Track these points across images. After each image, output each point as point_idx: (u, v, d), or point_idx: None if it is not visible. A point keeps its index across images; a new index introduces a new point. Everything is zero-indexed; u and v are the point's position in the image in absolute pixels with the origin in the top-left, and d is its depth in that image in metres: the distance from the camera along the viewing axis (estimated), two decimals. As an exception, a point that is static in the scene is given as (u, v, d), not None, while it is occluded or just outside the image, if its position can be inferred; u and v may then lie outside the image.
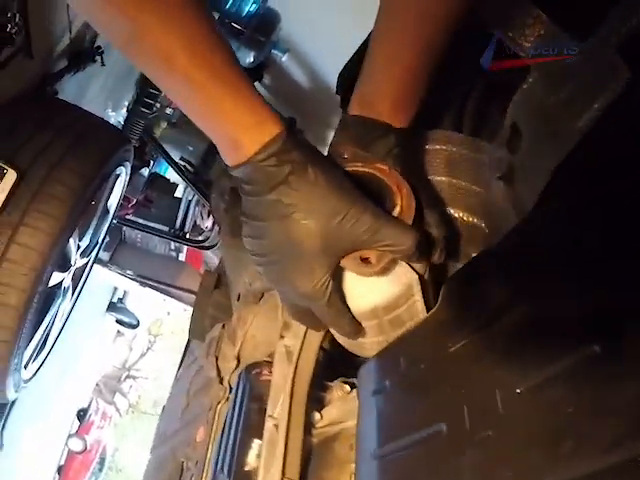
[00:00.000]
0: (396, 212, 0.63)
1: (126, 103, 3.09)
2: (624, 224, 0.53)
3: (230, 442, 1.05)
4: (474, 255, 0.84)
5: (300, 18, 3.02)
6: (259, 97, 0.59)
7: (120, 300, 7.54)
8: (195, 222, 4.60)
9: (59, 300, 2.05)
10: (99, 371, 9.11)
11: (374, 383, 0.73)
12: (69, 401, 7.45)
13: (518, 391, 0.50)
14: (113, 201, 2.16)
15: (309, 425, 0.92)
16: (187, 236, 4.56)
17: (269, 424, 0.94)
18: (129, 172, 2.08)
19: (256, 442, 0.99)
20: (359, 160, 0.67)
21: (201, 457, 1.19)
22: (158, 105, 3.25)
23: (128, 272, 4.48)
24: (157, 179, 4.30)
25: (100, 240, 2.25)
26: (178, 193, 4.49)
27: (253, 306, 1.41)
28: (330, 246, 0.60)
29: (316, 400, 0.97)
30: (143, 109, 3.12)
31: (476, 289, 0.66)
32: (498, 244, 0.70)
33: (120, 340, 10.33)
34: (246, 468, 0.97)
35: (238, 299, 1.56)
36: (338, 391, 0.96)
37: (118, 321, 7.25)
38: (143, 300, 7.61)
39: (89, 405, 8.77)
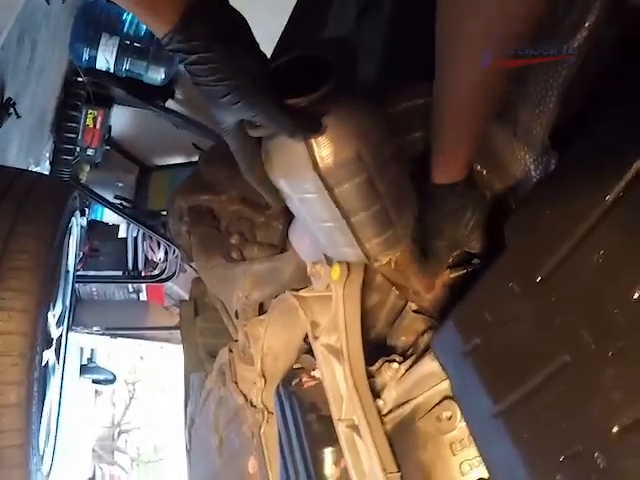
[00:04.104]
0: None
1: (47, 154, 2.91)
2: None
3: (299, 461, 1.00)
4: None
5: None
6: None
7: (90, 360, 7.26)
8: (147, 257, 4.47)
9: (51, 380, 1.87)
10: (91, 436, 8.80)
11: (461, 345, 0.71)
12: (73, 478, 7.17)
13: (636, 296, 0.49)
14: (71, 257, 2.00)
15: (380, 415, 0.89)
16: (143, 274, 4.43)
17: (341, 428, 0.91)
18: (79, 223, 1.93)
19: (328, 451, 0.96)
20: None
21: (264, 488, 1.13)
22: (78, 149, 3.10)
23: (95, 329, 4.28)
24: (96, 225, 4.19)
25: (69, 304, 2.08)
26: (122, 233, 4.32)
27: (260, 319, 1.36)
28: None
29: (368, 388, 0.94)
30: (65, 156, 2.99)
31: (546, 217, 0.64)
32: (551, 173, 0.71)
33: (100, 400, 9.99)
34: (329, 480, 0.93)
35: (237, 317, 1.49)
36: (387, 372, 0.93)
37: (95, 381, 6.99)
38: (113, 352, 7.36)
39: (94, 473, 8.49)
